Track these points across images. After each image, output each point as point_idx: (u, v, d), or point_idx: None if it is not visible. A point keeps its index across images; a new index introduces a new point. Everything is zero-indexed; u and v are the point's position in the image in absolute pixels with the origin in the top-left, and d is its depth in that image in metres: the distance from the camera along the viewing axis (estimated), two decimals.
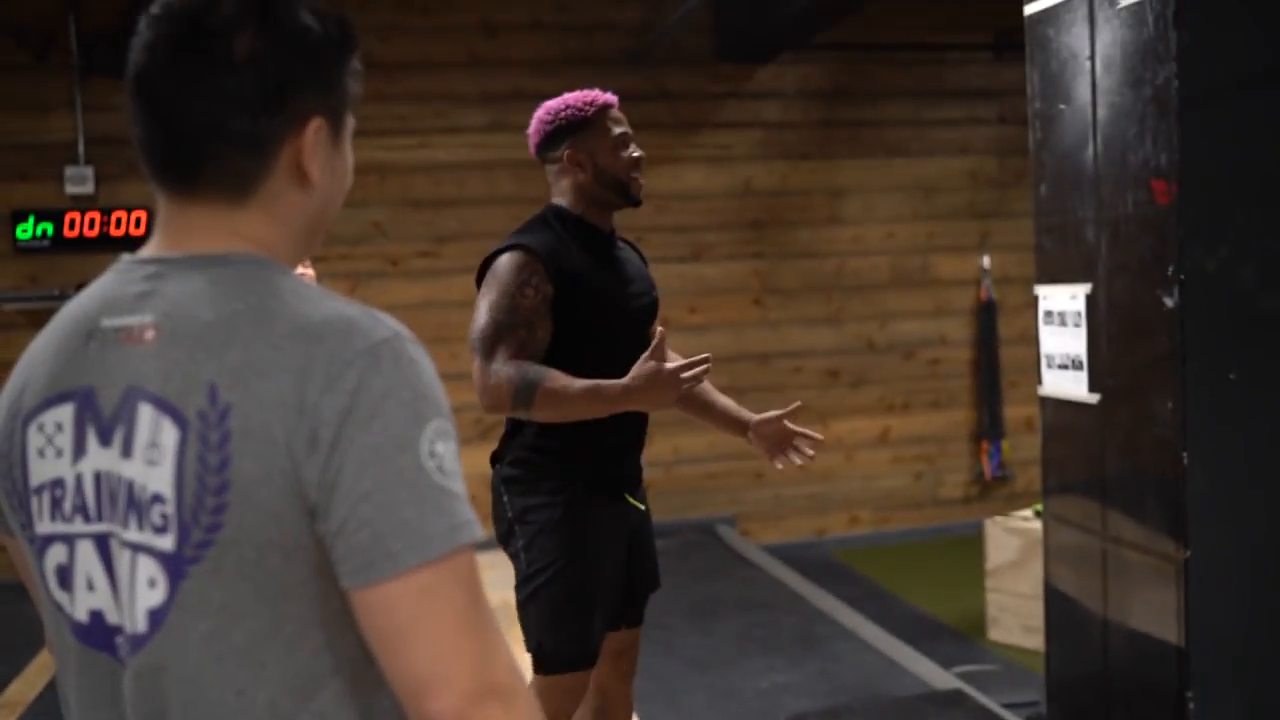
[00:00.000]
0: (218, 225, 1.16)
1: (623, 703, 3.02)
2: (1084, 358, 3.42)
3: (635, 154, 2.82)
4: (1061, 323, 3.54)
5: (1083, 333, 3.42)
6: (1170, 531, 3.08)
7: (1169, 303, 3.02)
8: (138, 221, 6.56)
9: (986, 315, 7.47)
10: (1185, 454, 3.00)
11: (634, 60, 7.00)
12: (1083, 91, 3.38)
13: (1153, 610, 3.20)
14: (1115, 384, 3.30)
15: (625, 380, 2.53)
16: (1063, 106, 3.49)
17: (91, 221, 6.50)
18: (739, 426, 3.03)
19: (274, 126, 1.14)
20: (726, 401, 3.10)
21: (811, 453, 2.98)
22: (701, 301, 7.20)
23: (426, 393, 1.07)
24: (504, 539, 2.77)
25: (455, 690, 1.00)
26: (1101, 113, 3.30)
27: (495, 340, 2.56)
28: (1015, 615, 5.23)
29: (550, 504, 2.68)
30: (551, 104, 2.82)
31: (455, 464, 1.07)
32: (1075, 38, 3.39)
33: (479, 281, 2.70)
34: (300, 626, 1.08)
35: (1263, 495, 3.08)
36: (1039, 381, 3.68)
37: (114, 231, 6.52)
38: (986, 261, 7.49)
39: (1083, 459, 3.48)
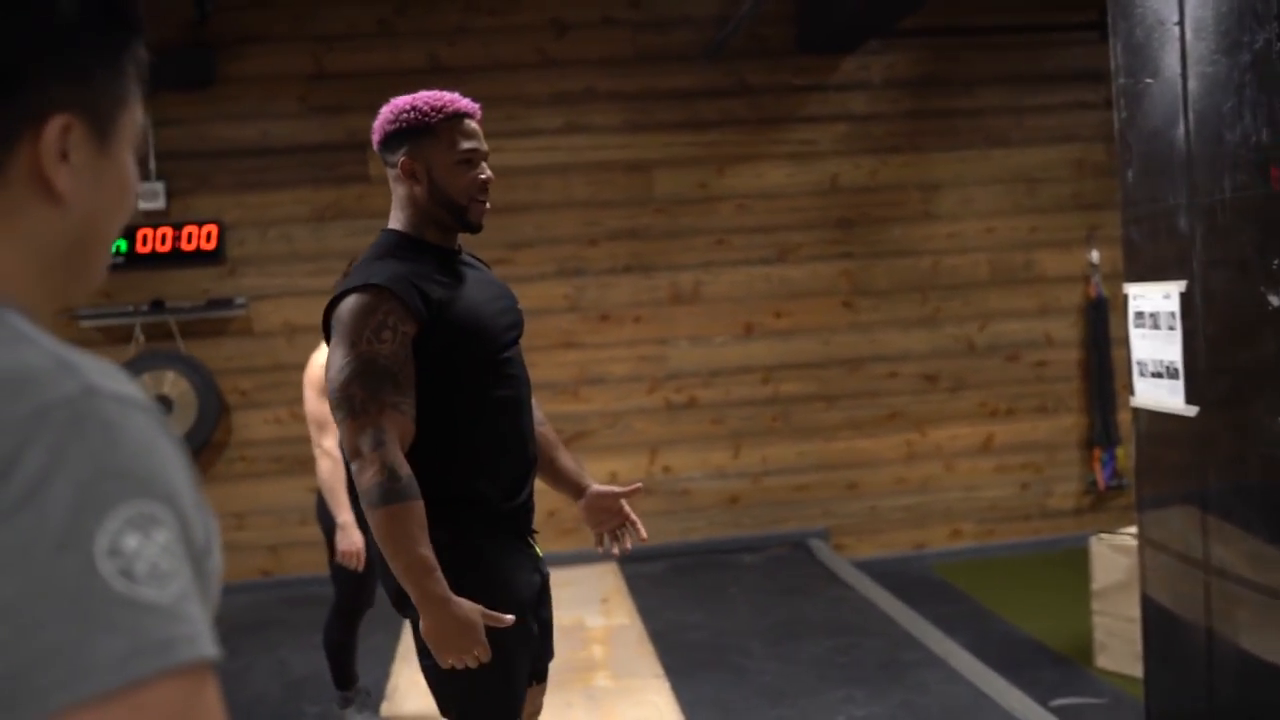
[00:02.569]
0: None
1: None
2: (1179, 365, 3.03)
3: (483, 175, 2.48)
4: (1154, 325, 3.14)
5: (1178, 336, 3.02)
6: None
7: (1275, 300, 2.62)
8: (209, 236, 6.48)
9: (1096, 313, 6.98)
10: None
11: (711, 55, 6.70)
12: (1171, 62, 2.99)
13: (1263, 646, 2.80)
14: (1215, 394, 2.91)
15: (450, 598, 2.24)
16: (1149, 80, 3.10)
17: (164, 237, 6.45)
18: (574, 490, 2.78)
19: None
20: (568, 462, 2.82)
21: (630, 546, 2.75)
22: (787, 305, 6.86)
23: (124, 468, 0.78)
24: (398, 603, 2.43)
25: None
26: (1193, 85, 2.91)
27: (366, 400, 2.27)
28: (1125, 641, 4.78)
29: (451, 549, 2.33)
30: (400, 101, 2.49)
31: (160, 563, 0.77)
32: (1162, 0, 3.00)
33: (325, 327, 2.40)
34: None
35: None
36: (1130, 391, 3.29)
37: (185, 246, 6.46)
38: (1095, 256, 7.00)
39: (1180, 479, 3.08)
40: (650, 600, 5.87)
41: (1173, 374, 3.06)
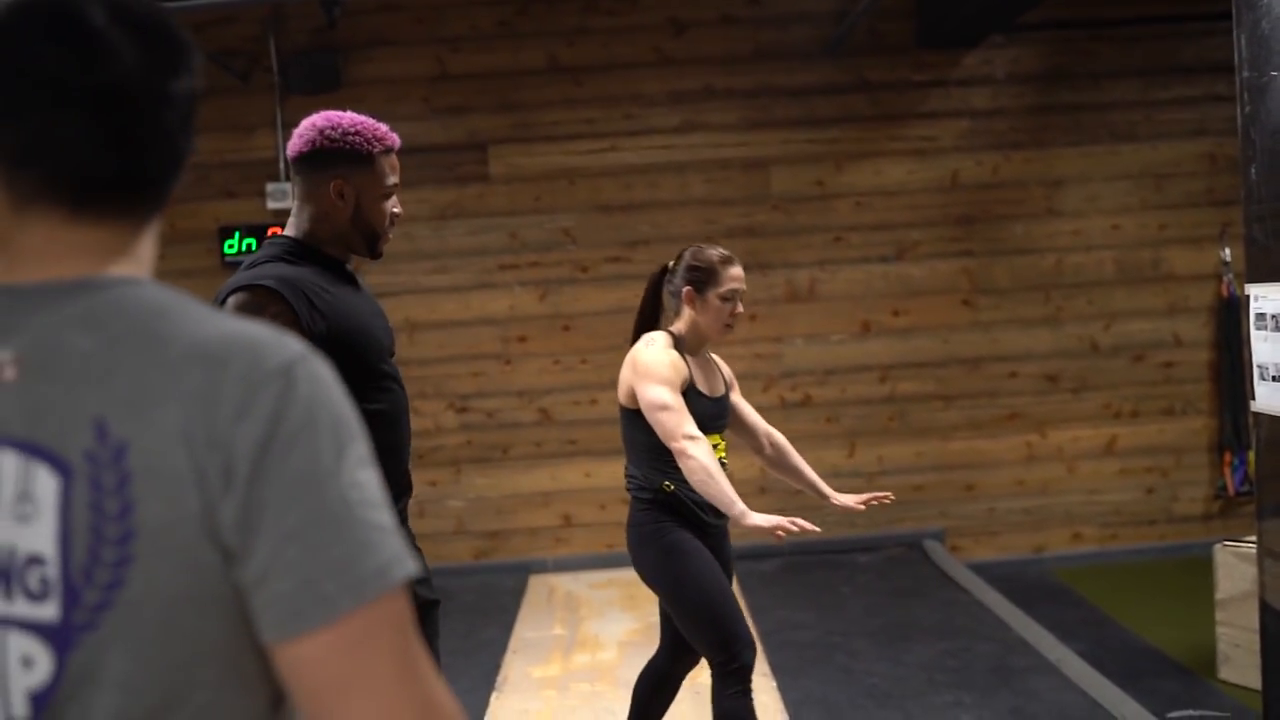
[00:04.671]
0: (109, 247, 1.02)
1: None
2: None
3: (395, 209, 2.55)
4: (1275, 327, 3.05)
5: None
6: None
7: None
8: None
9: (1228, 313, 6.75)
10: None
11: (831, 51, 6.66)
12: None
13: None
14: None
15: None
16: (1275, 73, 3.01)
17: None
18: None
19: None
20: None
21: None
22: (906, 303, 6.79)
23: (344, 416, 0.95)
24: None
25: None
26: None
27: None
28: (1249, 653, 4.62)
29: None
30: (339, 119, 2.48)
31: (379, 493, 0.95)
32: None
33: None
34: (215, 693, 0.95)
35: None
36: (1251, 396, 3.19)
37: None
38: (1228, 254, 6.77)
39: None
40: (761, 599, 5.87)
41: None
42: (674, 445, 3.10)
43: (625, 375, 3.25)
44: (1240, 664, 4.71)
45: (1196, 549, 6.53)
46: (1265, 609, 3.21)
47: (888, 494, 3.54)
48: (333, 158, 2.45)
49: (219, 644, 0.94)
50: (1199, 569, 6.04)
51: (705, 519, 3.26)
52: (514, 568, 6.69)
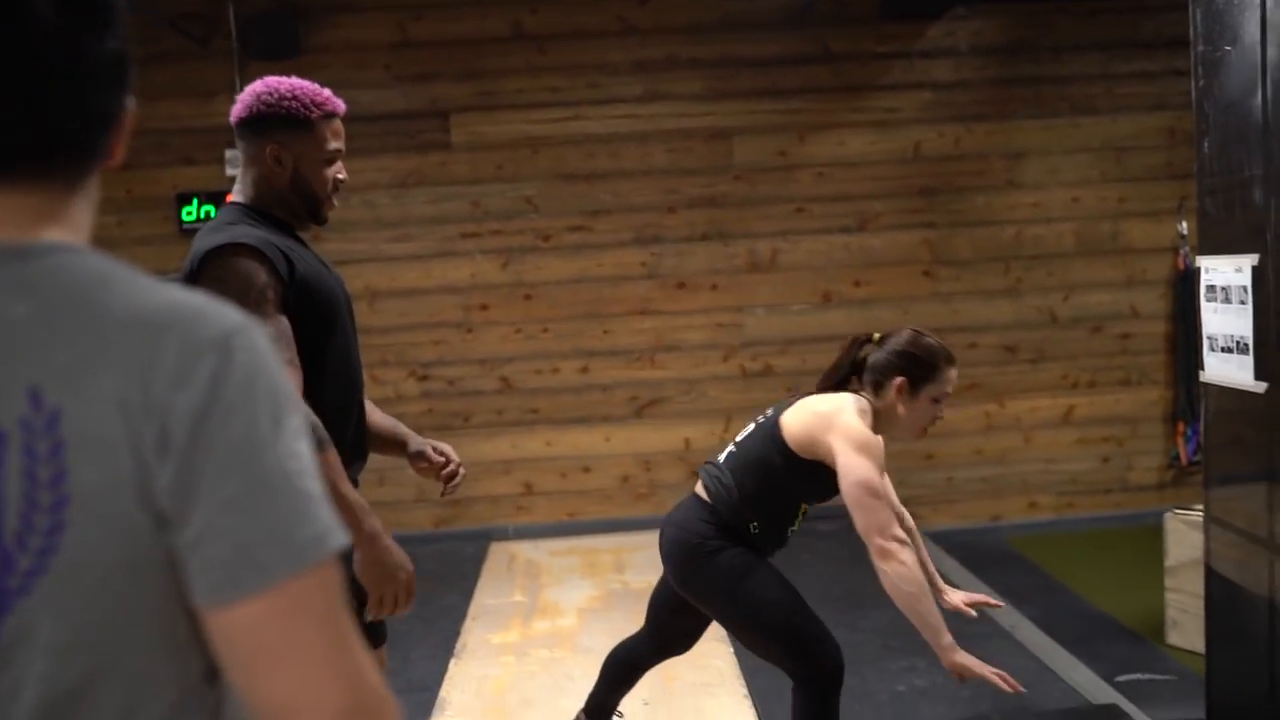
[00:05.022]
0: (39, 212, 1.00)
1: None
2: (1250, 340, 2.97)
3: (340, 175, 2.54)
4: (1225, 299, 3.09)
5: (1249, 311, 2.97)
6: None
7: None
8: None
9: (1185, 285, 6.83)
10: None
11: (795, 21, 6.65)
12: (1251, 29, 2.93)
13: None
14: None
15: (384, 532, 2.35)
16: (1228, 48, 3.03)
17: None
18: (397, 447, 2.87)
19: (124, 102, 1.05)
20: (383, 420, 2.90)
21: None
22: (867, 274, 6.82)
23: (281, 387, 0.96)
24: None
25: (327, 714, 0.92)
26: (1272, 53, 2.84)
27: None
28: (1196, 619, 4.69)
29: None
30: (277, 85, 2.49)
31: (313, 464, 0.96)
32: None
33: (194, 280, 2.38)
34: (147, 660, 0.96)
35: None
36: (1200, 366, 3.24)
37: None
38: (1185, 227, 6.84)
39: (1247, 455, 3.03)
40: None
41: (1243, 349, 3.01)
42: (878, 542, 2.81)
43: (811, 425, 2.96)
44: (1187, 629, 4.79)
45: (1150, 517, 6.62)
46: (1210, 575, 3.27)
47: (1000, 603, 3.34)
48: (270, 123, 2.45)
49: (152, 610, 0.94)
50: (1151, 537, 6.13)
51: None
52: (475, 535, 6.70)
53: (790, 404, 3.12)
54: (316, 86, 2.51)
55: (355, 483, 2.62)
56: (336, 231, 6.68)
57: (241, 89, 6.32)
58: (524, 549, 6.50)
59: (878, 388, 3.04)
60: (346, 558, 2.48)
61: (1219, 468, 3.23)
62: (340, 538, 0.94)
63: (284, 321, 2.36)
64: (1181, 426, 6.90)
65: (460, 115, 6.70)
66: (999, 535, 6.82)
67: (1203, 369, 3.24)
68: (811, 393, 3.14)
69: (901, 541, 2.82)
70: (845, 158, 6.78)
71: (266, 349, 0.96)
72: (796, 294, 6.81)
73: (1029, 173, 6.86)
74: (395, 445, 2.84)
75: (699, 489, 3.20)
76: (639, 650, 3.52)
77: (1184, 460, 6.90)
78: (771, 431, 3.05)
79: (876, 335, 3.16)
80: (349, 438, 2.56)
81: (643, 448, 6.82)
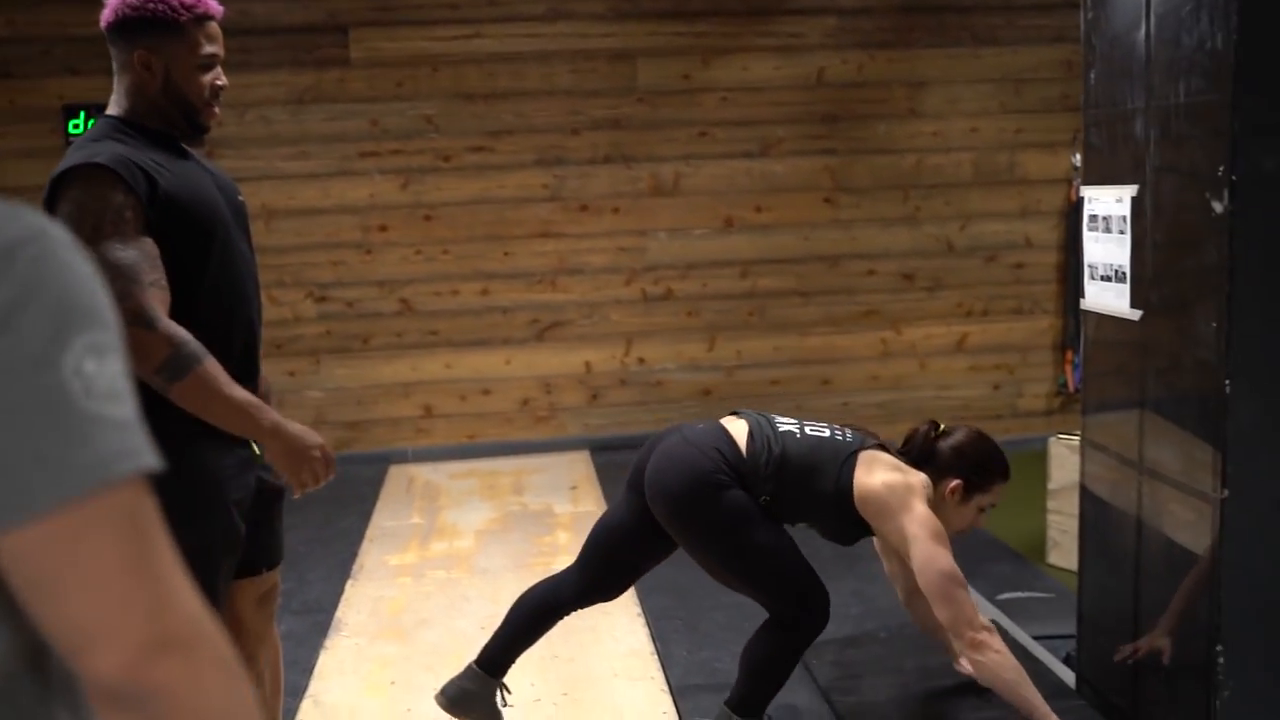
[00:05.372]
0: None
1: (271, 644, 2.84)
2: (1127, 269, 3.05)
3: (219, 81, 2.45)
4: (1106, 229, 3.17)
5: (1127, 240, 3.05)
6: (1208, 468, 2.74)
7: (1218, 207, 2.65)
8: None
9: (1077, 217, 6.95)
10: (1228, 382, 2.65)
11: None
12: None
13: (1185, 554, 2.87)
14: (1159, 299, 2.94)
15: (282, 421, 2.34)
16: None
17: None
18: None
19: None
20: None
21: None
22: (768, 199, 6.85)
23: (77, 302, 0.89)
24: None
25: (122, 644, 0.87)
26: None
27: (129, 283, 2.22)
28: (1075, 539, 4.87)
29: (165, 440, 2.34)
30: None
31: (115, 385, 0.89)
32: None
33: (50, 205, 2.30)
34: None
35: None
36: (1081, 294, 3.32)
37: None
38: (1079, 159, 6.95)
39: (1122, 381, 3.13)
40: (619, 488, 5.92)
41: (1121, 278, 3.09)
42: (969, 635, 2.79)
43: (884, 496, 2.91)
44: (1067, 549, 4.96)
45: (1037, 443, 6.80)
46: (1084, 494, 3.39)
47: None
48: (138, 27, 2.36)
49: None
50: (1038, 461, 6.32)
51: None
52: (374, 458, 6.67)
53: (869, 443, 3.05)
54: None
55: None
56: (232, 148, 6.52)
57: None
58: (423, 471, 6.49)
59: (935, 478, 3.02)
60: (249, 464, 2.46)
61: (1096, 394, 3.34)
62: (138, 461, 0.88)
63: (147, 243, 2.29)
64: (1070, 355, 7.08)
65: (359, 30, 6.54)
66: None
67: (1083, 297, 3.32)
68: (886, 446, 3.07)
69: (990, 631, 2.79)
70: (749, 82, 6.77)
71: (64, 260, 0.89)
72: (699, 219, 6.82)
73: (930, 102, 6.92)
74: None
75: (735, 428, 3.05)
76: (561, 593, 3.28)
77: (1071, 387, 7.10)
78: (843, 462, 2.96)
79: (942, 426, 3.13)
80: (235, 356, 2.50)
81: (543, 371, 6.82)
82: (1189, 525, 2.84)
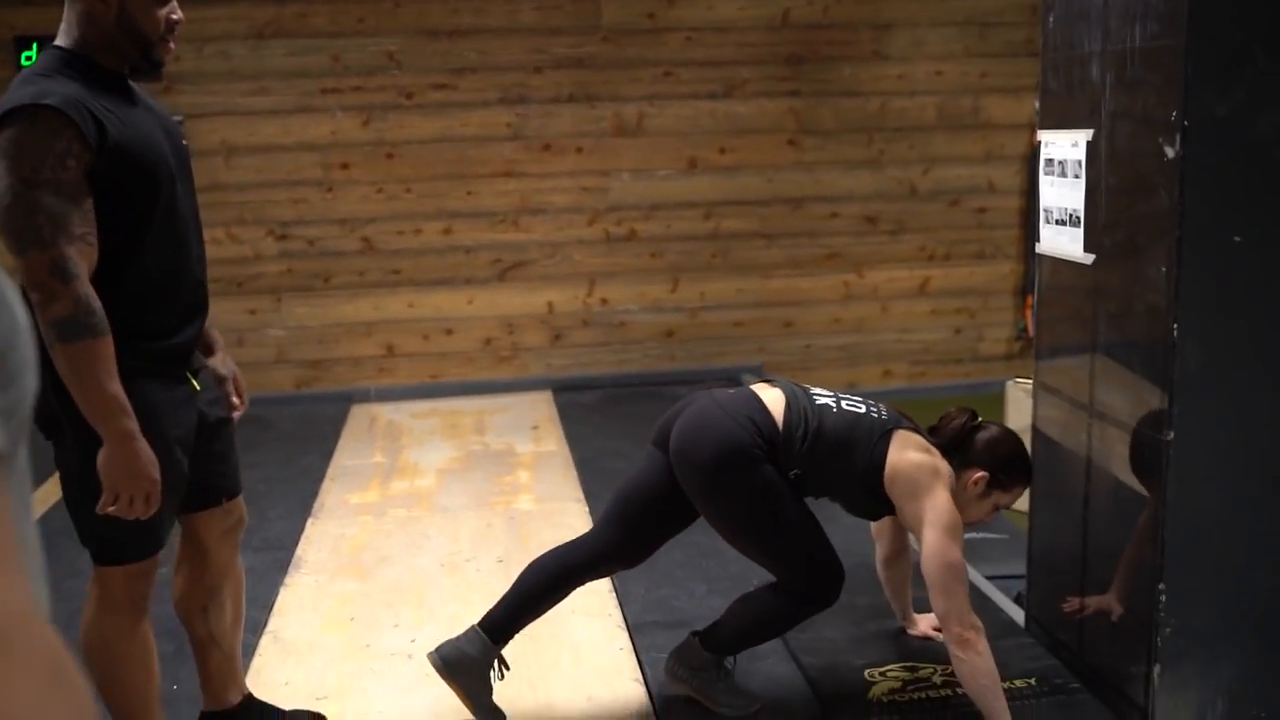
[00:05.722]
0: None
1: (235, 576, 2.88)
2: (1081, 213, 3.08)
3: (174, 15, 2.41)
4: (1062, 173, 3.19)
5: (1082, 185, 3.07)
6: (1156, 411, 2.78)
7: (1170, 152, 2.67)
8: None
9: (1038, 162, 6.98)
10: (1175, 325, 2.69)
11: None
12: None
13: (1132, 494, 2.93)
14: (1111, 243, 2.97)
15: (137, 434, 2.29)
16: None
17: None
18: (205, 348, 2.81)
19: None
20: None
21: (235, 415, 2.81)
22: (732, 141, 6.83)
23: None
24: (47, 429, 2.43)
25: None
26: None
27: (54, 232, 2.19)
28: None
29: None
30: None
31: None
32: None
33: None
34: None
35: (1261, 375, 2.76)
36: (1036, 238, 3.35)
37: None
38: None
39: (1075, 325, 3.17)
40: (581, 428, 5.99)
41: (1075, 222, 3.12)
42: (956, 630, 2.76)
43: (912, 477, 2.87)
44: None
45: (997, 386, 6.88)
46: (1037, 436, 3.44)
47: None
48: None
49: None
50: (996, 405, 6.40)
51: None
52: (336, 397, 6.66)
53: (904, 423, 3.00)
54: None
55: (190, 346, 2.57)
56: (191, 83, 6.43)
57: None
58: (385, 411, 6.49)
59: (960, 467, 2.98)
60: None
61: (1049, 337, 3.37)
62: None
63: (83, 194, 2.25)
64: (1030, 300, 7.14)
65: None
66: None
67: (1038, 241, 3.35)
68: (918, 429, 3.03)
69: (978, 630, 2.78)
70: (714, 22, 6.73)
71: None
72: (662, 160, 6.80)
73: (895, 44, 6.90)
74: (203, 345, 2.76)
75: (769, 396, 2.97)
76: (578, 558, 3.10)
77: (1030, 333, 7.16)
78: (877, 439, 2.92)
79: (979, 418, 3.09)
80: (179, 305, 2.51)
81: (505, 310, 6.82)
82: (1135, 464, 2.89)
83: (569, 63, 6.64)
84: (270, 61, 6.47)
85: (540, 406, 6.46)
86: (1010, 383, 5.20)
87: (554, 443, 5.77)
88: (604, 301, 6.87)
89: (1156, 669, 2.85)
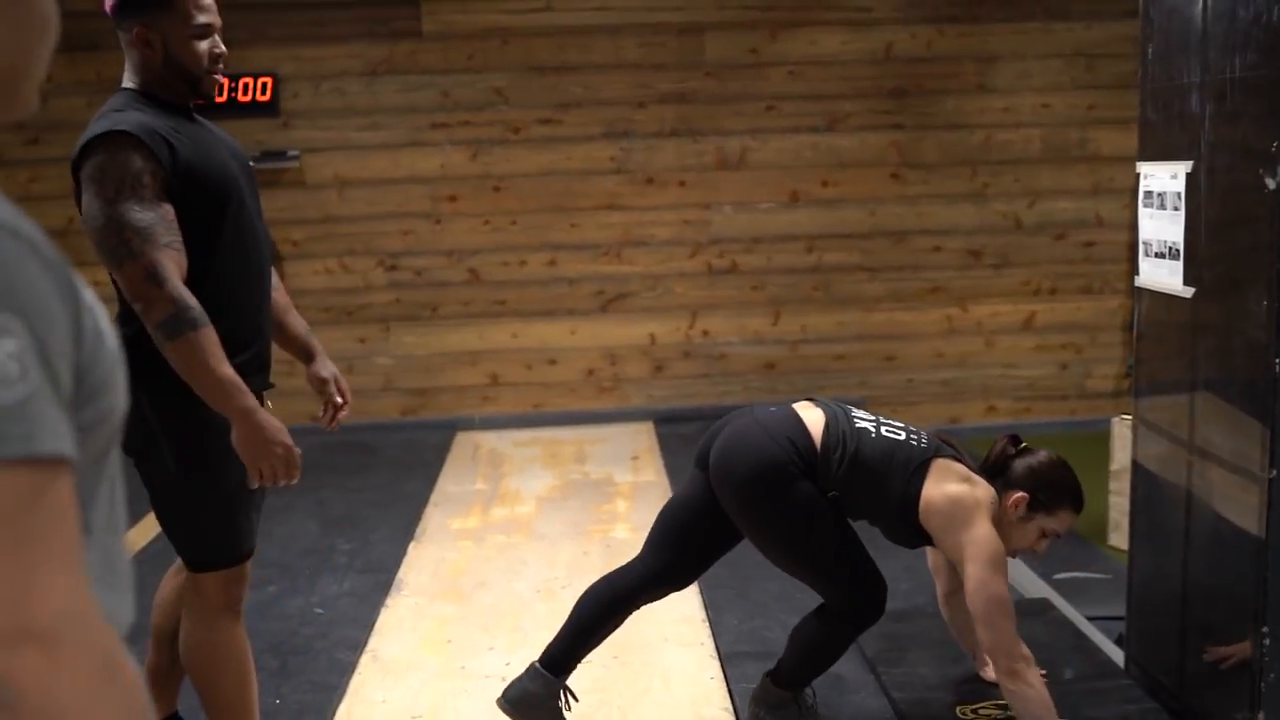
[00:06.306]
0: None
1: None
2: (1181, 246, 3.04)
3: (217, 49, 2.58)
4: (1161, 205, 3.15)
5: (1181, 217, 3.03)
6: (1256, 448, 2.72)
7: (1271, 184, 2.63)
8: (264, 88, 6.58)
9: None
10: (1277, 361, 2.64)
11: None
12: None
13: (1233, 534, 2.86)
14: (1211, 277, 2.93)
15: (257, 408, 2.48)
16: None
17: (220, 88, 6.51)
18: (303, 354, 2.98)
19: None
20: (297, 325, 3.00)
21: (335, 426, 2.96)
22: (835, 174, 6.84)
23: None
24: (142, 445, 2.58)
25: None
26: None
27: (143, 243, 2.40)
28: None
29: (198, 403, 2.49)
30: None
31: (8, 367, 0.85)
32: None
33: (77, 169, 2.48)
34: None
35: None
36: (1136, 271, 3.31)
37: (241, 98, 6.56)
38: None
39: (1174, 360, 3.12)
40: (680, 459, 6.00)
41: (1174, 255, 3.08)
42: (1005, 663, 2.76)
43: (949, 511, 2.88)
44: (1127, 530, 4.93)
45: (1103, 424, 6.74)
46: (1137, 473, 3.39)
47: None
48: (133, 6, 2.54)
49: None
50: (1104, 443, 6.26)
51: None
52: (441, 425, 6.80)
53: (945, 451, 3.00)
54: None
55: (257, 361, 2.71)
56: (306, 119, 6.66)
57: None
58: (488, 439, 6.60)
59: (1002, 491, 2.97)
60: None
61: (1148, 372, 3.32)
62: (18, 448, 0.83)
63: (165, 207, 2.45)
64: None
65: (431, 4, 6.63)
66: (958, 438, 6.87)
67: (1138, 274, 3.31)
68: (960, 457, 3.02)
69: (1028, 661, 2.76)
70: (817, 56, 6.75)
71: None
72: (764, 192, 6.83)
73: (1000, 77, 6.85)
74: (302, 353, 2.95)
75: (810, 417, 2.98)
76: (629, 583, 3.11)
77: None
78: (914, 469, 2.92)
79: (1024, 444, 3.09)
80: (246, 316, 2.67)
81: (608, 342, 6.90)
82: (1237, 504, 2.83)
83: (672, 97, 6.73)
84: (383, 98, 6.66)
85: (641, 437, 6.52)
86: (1116, 419, 5.10)
87: (653, 473, 5.82)
88: (705, 333, 6.92)
89: (1260, 716, 2.78)
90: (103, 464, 1.01)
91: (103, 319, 0.96)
